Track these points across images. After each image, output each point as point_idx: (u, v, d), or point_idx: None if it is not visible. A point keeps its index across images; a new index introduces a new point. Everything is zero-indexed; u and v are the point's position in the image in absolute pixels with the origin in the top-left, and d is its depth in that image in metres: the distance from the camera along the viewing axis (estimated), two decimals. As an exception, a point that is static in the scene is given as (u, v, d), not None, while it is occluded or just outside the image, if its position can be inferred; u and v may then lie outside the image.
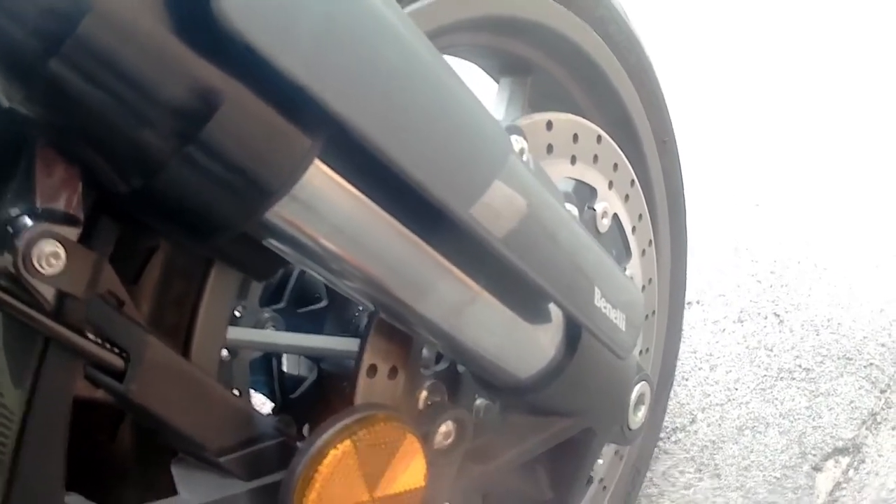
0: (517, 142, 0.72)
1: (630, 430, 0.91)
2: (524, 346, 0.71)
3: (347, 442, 0.56)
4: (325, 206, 0.53)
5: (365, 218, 0.55)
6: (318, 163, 0.51)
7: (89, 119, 0.44)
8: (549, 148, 0.90)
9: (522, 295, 0.68)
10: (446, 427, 0.68)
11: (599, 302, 0.70)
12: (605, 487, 1.16)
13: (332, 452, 0.56)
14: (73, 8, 0.41)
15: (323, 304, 0.98)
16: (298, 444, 0.60)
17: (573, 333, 0.74)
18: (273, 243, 0.55)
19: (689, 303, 1.67)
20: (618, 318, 0.73)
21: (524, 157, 0.70)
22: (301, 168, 0.49)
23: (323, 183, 0.52)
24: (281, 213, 0.51)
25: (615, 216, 1.03)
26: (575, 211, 0.82)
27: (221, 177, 0.48)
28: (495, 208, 0.56)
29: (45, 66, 0.41)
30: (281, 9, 0.43)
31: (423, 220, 0.57)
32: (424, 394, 0.77)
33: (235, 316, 0.91)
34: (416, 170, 0.50)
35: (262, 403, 1.06)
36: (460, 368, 0.83)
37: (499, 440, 0.77)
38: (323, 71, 0.45)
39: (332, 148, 0.50)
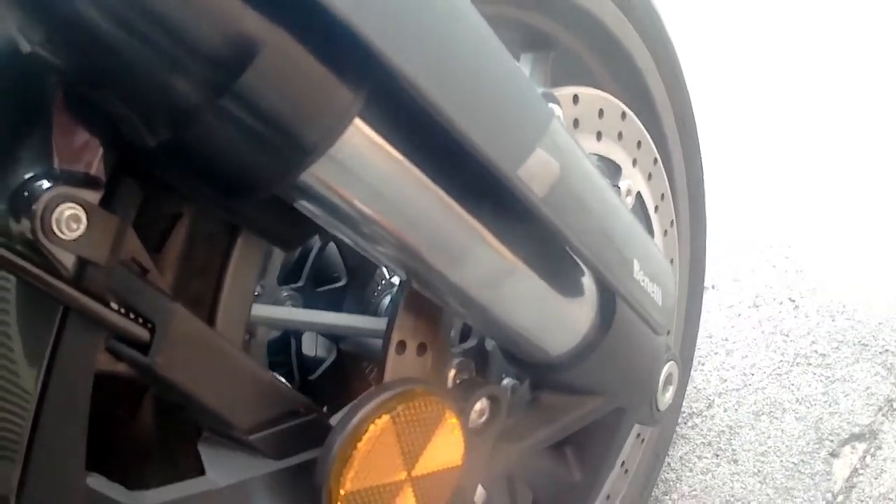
0: (555, 109, 0.69)
1: (658, 410, 0.89)
2: (559, 320, 0.68)
3: (386, 417, 0.54)
4: (363, 168, 0.50)
5: (404, 182, 0.52)
6: (358, 121, 0.48)
7: (117, 63, 0.42)
8: (576, 122, 0.88)
9: (558, 268, 0.65)
10: (481, 405, 0.66)
11: (638, 274, 0.67)
12: (626, 471, 1.14)
13: (371, 429, 0.53)
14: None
15: (342, 282, 0.95)
16: (332, 421, 0.57)
17: (607, 308, 0.71)
18: (305, 205, 0.52)
19: (705, 287, 1.65)
20: (654, 292, 0.71)
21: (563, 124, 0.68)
22: (341, 125, 0.46)
23: (362, 143, 0.49)
24: (317, 173, 0.48)
25: (638, 195, 1.00)
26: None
27: (256, 132, 0.45)
28: (540, 170, 0.53)
29: (77, 4, 0.38)
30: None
31: (464, 186, 0.54)
32: (453, 371, 0.74)
33: (254, 294, 0.88)
34: (466, 126, 0.47)
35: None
36: (488, 346, 0.81)
37: (530, 420, 0.74)
38: (373, 10, 0.42)
39: (375, 105, 0.48)
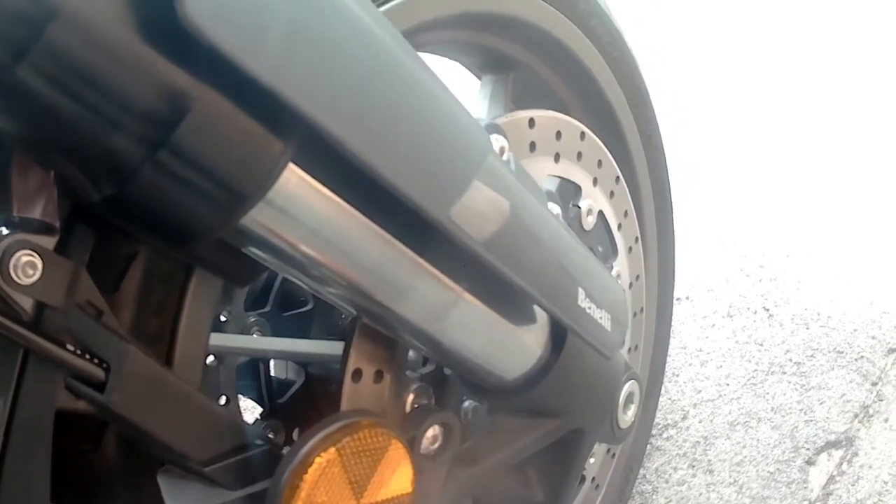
0: (497, 140, 0.71)
1: (620, 428, 0.91)
2: (509, 347, 0.70)
3: (332, 450, 0.56)
4: (300, 211, 0.52)
5: (342, 222, 0.54)
6: (292, 167, 0.50)
7: (59, 127, 0.44)
8: (532, 146, 0.89)
9: (506, 296, 0.67)
10: (433, 431, 0.68)
11: (584, 302, 0.69)
12: (597, 486, 1.16)
13: (317, 461, 0.55)
14: (39, 14, 0.41)
15: (308, 307, 0.97)
16: (284, 451, 0.59)
17: (559, 333, 0.73)
18: (251, 249, 0.55)
19: (677, 298, 1.67)
20: (603, 317, 0.73)
21: (505, 156, 0.70)
22: (275, 172, 0.49)
23: (298, 187, 0.51)
24: (256, 218, 0.50)
25: (600, 213, 1.02)
26: (558, 209, 0.82)
27: (194, 182, 0.47)
28: (474, 210, 0.55)
29: (12, 73, 0.41)
30: (248, 10, 0.42)
31: (402, 222, 0.56)
32: (411, 397, 0.76)
33: (221, 321, 0.90)
34: (391, 173, 0.50)
35: (250, 408, 1.06)
36: (447, 371, 0.83)
37: (487, 442, 0.76)
38: (291, 73, 0.44)
39: (307, 151, 0.50)
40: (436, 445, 0.68)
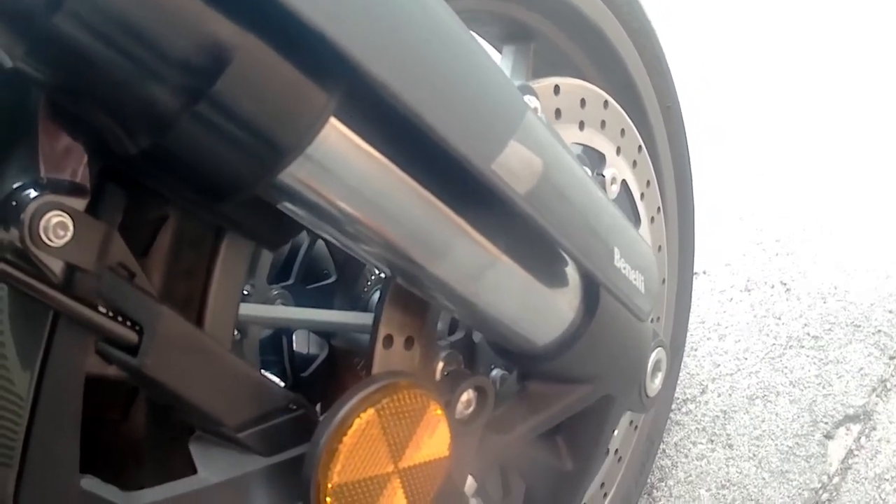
0: (531, 101, 0.70)
1: (648, 396, 0.90)
2: (543, 310, 0.69)
3: (371, 411, 0.55)
4: (340, 166, 0.51)
5: (382, 178, 0.53)
6: (333, 121, 0.49)
7: (96, 74, 0.43)
8: (558, 112, 0.88)
9: (540, 258, 0.66)
10: (467, 396, 0.67)
11: (619, 262, 0.68)
12: (620, 458, 1.15)
13: (356, 422, 0.54)
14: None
15: (332, 279, 0.96)
16: (320, 416, 0.58)
17: (591, 296, 0.72)
18: (287, 206, 0.53)
19: (695, 273, 1.66)
20: (636, 279, 0.72)
21: (539, 115, 0.68)
22: (316, 126, 0.47)
23: (339, 142, 0.50)
24: (295, 173, 0.49)
25: (623, 182, 1.01)
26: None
27: (234, 135, 0.46)
28: (515, 163, 0.54)
29: (50, 19, 0.39)
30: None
31: (442, 180, 0.55)
32: (441, 364, 0.75)
33: (244, 294, 0.89)
34: (439, 122, 0.49)
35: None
36: (476, 338, 0.82)
37: (518, 410, 0.75)
38: (341, 14, 0.43)
39: (349, 105, 0.49)
40: (470, 410, 0.67)
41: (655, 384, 0.90)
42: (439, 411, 0.59)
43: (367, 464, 0.55)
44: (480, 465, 0.72)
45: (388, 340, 0.69)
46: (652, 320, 1.15)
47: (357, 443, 0.54)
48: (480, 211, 0.59)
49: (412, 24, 0.47)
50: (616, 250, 0.68)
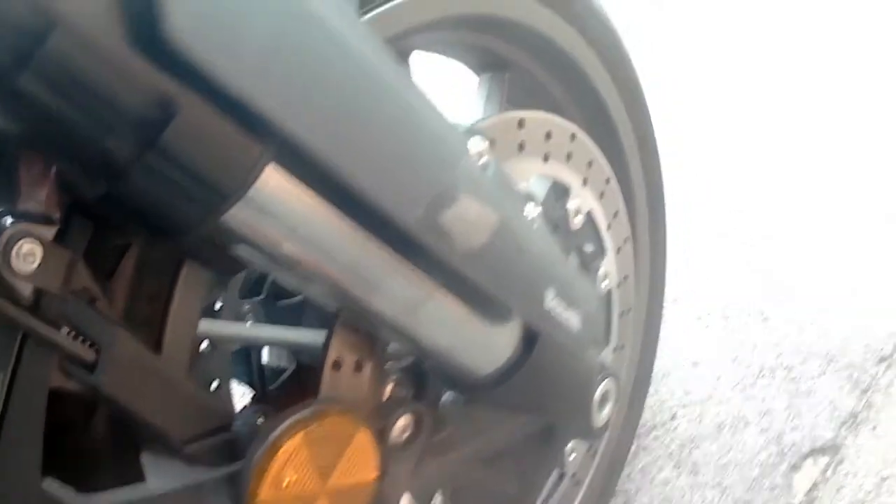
0: (478, 143, 0.74)
1: (594, 426, 0.94)
2: (481, 344, 0.74)
3: (300, 434, 0.60)
4: (279, 209, 0.56)
5: (320, 220, 0.58)
6: (273, 167, 0.54)
7: (58, 129, 0.48)
8: (521, 146, 0.92)
9: (478, 294, 0.70)
10: (404, 421, 0.71)
11: (551, 303, 0.72)
12: (577, 483, 1.18)
13: (286, 444, 0.59)
14: (40, 25, 0.44)
15: (300, 296, 1.00)
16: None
17: (532, 331, 0.76)
18: (233, 246, 0.59)
19: (674, 299, 1.69)
20: (571, 317, 0.76)
21: (483, 160, 0.73)
22: (253, 173, 0.53)
23: (278, 187, 0.55)
24: (237, 216, 0.54)
25: (589, 213, 1.04)
26: (538, 209, 0.84)
27: (179, 182, 0.51)
28: (439, 219, 0.59)
29: (15, 80, 0.45)
30: (226, 29, 0.46)
31: (377, 221, 0.60)
32: (390, 388, 0.79)
33: (215, 309, 0.94)
34: (361, 180, 0.54)
35: (243, 394, 1.10)
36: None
37: (460, 434, 0.80)
38: (263, 88, 0.48)
39: (287, 153, 0.54)
40: (406, 435, 0.71)
41: (602, 415, 0.94)
42: (368, 437, 0.64)
43: (296, 484, 0.60)
44: (420, 487, 0.76)
45: (338, 363, 0.73)
46: (616, 349, 1.19)
47: (286, 463, 0.59)
48: (416, 247, 0.63)
49: (337, 89, 0.52)
50: (548, 291, 0.72)
